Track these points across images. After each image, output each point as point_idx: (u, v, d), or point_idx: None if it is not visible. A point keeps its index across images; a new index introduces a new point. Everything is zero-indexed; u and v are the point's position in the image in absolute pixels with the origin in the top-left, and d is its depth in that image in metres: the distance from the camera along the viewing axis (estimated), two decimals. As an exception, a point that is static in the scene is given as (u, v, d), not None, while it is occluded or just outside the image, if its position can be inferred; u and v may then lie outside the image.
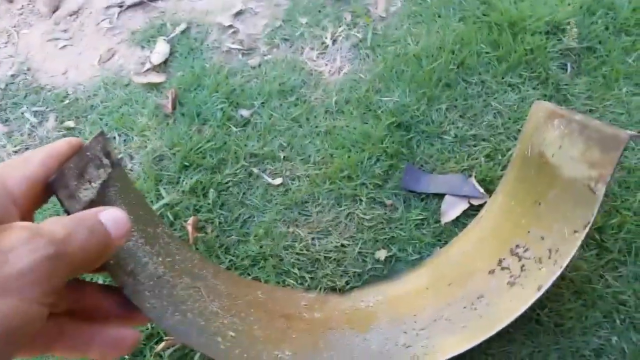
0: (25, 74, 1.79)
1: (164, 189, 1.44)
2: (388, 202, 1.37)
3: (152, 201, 1.42)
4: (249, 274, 1.32)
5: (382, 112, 1.48)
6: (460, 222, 1.32)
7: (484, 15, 1.62)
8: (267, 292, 1.20)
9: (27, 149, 1.62)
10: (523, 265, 1.08)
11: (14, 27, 1.91)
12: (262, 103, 1.57)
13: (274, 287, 1.26)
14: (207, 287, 0.97)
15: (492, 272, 1.13)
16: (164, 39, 1.73)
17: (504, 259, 1.13)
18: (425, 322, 1.13)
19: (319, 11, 1.75)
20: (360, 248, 1.32)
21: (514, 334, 1.20)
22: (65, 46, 1.83)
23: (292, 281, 1.29)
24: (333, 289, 1.28)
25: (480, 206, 1.32)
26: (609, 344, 1.16)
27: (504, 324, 1.03)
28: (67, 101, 1.69)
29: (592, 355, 1.15)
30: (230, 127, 1.53)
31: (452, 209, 1.34)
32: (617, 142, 0.90)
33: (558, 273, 1.01)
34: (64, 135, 1.62)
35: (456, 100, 1.48)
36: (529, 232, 1.10)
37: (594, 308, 1.20)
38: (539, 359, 1.16)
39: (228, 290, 1.06)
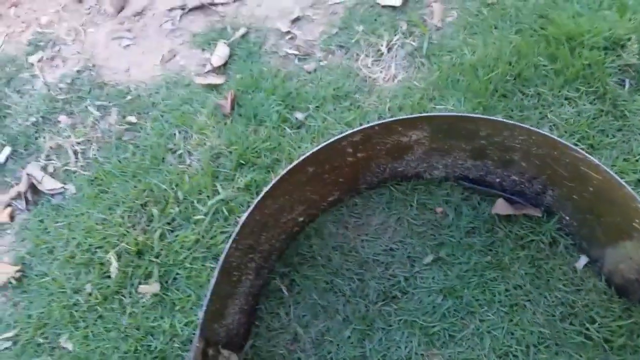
0: (90, 70, 1.88)
1: (220, 184, 1.49)
2: (439, 209, 1.38)
3: (208, 196, 1.47)
4: (297, 272, 1.35)
5: (435, 120, 1.50)
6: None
7: (541, 28, 1.62)
8: (315, 163, 1.25)
9: (89, 141, 1.70)
10: None
11: (82, 25, 2.01)
12: (317, 107, 1.60)
13: (318, 151, 1.24)
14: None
15: None
16: (224, 42, 1.79)
17: None
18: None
19: (375, 19, 1.78)
20: (409, 252, 1.34)
21: (562, 347, 1.19)
22: (128, 45, 1.91)
23: (339, 281, 1.32)
24: (381, 291, 1.29)
25: (536, 219, 1.32)
26: (660, 365, 1.14)
27: None
28: (129, 97, 1.76)
29: (643, 374, 1.13)
30: (285, 128, 1.57)
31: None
32: None
33: None
34: (126, 130, 1.69)
35: (512, 110, 1.48)
36: None
37: (646, 327, 1.18)
38: (587, 374, 1.15)
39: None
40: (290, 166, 1.17)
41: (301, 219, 1.36)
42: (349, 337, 1.26)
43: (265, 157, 1.52)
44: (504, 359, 1.19)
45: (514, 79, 1.53)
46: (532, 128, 1.13)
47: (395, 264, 1.33)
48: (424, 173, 1.40)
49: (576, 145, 1.40)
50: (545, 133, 1.12)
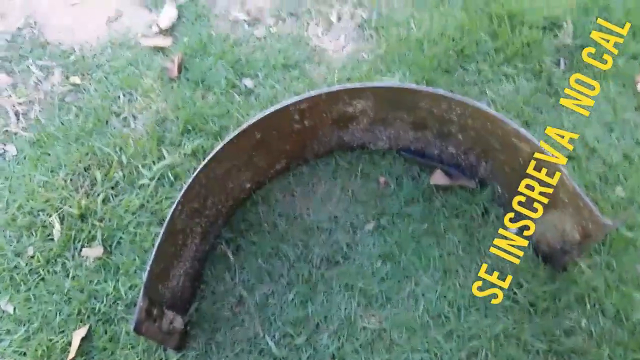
0: (32, 27, 1.81)
1: (166, 149, 1.48)
2: (381, 179, 1.43)
3: (153, 161, 1.47)
4: (243, 237, 1.37)
5: (381, 92, 1.54)
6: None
7: (485, 6, 1.67)
8: (262, 128, 1.28)
9: (31, 102, 1.65)
10: None
11: (22, -21, 1.92)
12: (266, 74, 1.61)
13: (266, 116, 1.27)
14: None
15: None
16: (172, 3, 1.76)
17: None
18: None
19: (326, -11, 1.78)
20: (352, 220, 1.39)
21: (490, 309, 1.27)
22: (74, 4, 1.84)
23: (284, 247, 1.35)
24: (325, 257, 1.34)
25: (471, 190, 1.39)
26: (578, 326, 1.24)
27: None
28: (73, 58, 1.71)
29: (563, 335, 1.23)
30: (233, 95, 1.57)
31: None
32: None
33: None
34: (70, 91, 1.65)
35: (453, 85, 1.53)
36: None
37: (568, 292, 1.27)
38: (512, 334, 1.23)
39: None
40: (238, 130, 1.18)
41: (248, 185, 1.38)
42: (292, 299, 1.30)
43: (213, 123, 1.52)
44: (436, 320, 1.26)
45: (457, 55, 1.58)
46: (466, 100, 1.18)
47: (338, 231, 1.38)
48: (368, 144, 1.44)
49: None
50: (478, 105, 1.17)
